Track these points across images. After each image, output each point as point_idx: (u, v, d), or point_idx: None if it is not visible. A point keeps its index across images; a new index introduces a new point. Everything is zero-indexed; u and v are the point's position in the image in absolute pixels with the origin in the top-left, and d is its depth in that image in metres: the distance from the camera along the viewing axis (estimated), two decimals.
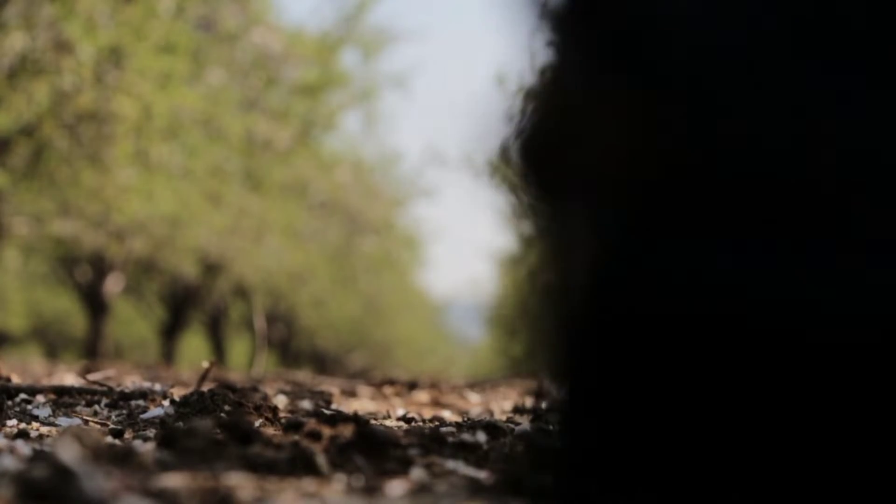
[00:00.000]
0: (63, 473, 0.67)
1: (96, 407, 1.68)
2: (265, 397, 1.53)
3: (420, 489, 0.86)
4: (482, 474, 0.95)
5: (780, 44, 0.93)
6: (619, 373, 0.93)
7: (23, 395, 1.72)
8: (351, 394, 2.56)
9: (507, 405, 2.51)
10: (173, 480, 0.79)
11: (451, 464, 1.00)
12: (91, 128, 7.17)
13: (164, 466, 0.85)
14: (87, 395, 1.74)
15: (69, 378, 2.39)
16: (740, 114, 0.94)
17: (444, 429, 1.47)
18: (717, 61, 0.96)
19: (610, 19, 1.04)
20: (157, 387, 1.81)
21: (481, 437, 1.15)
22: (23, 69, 6.50)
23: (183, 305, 16.02)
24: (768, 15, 0.94)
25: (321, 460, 0.90)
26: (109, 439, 1.15)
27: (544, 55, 1.87)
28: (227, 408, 1.42)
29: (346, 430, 1.47)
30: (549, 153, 1.20)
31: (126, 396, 1.72)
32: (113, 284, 13.33)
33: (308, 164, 13.41)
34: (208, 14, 9.76)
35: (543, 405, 1.80)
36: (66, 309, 19.98)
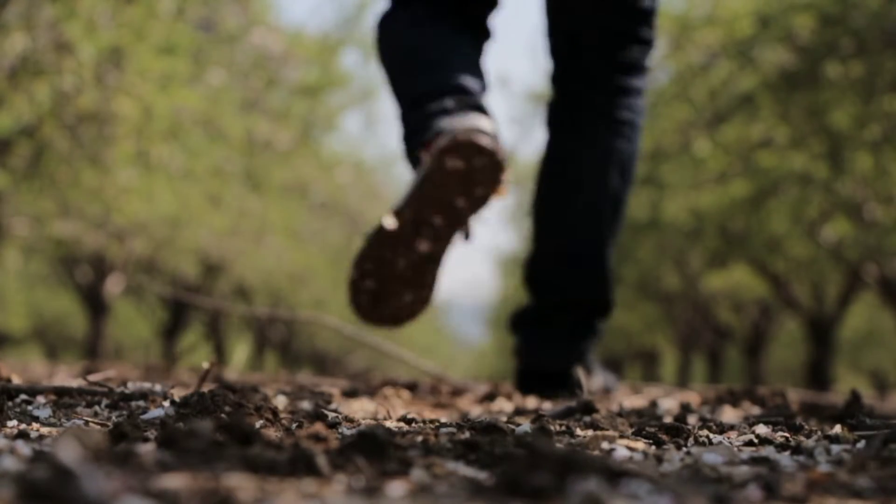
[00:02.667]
0: (63, 474, 0.67)
1: (97, 408, 1.68)
2: (265, 398, 1.53)
3: (420, 490, 0.86)
4: (482, 475, 0.95)
5: None
6: None
7: (23, 396, 1.72)
8: (351, 395, 2.56)
9: (509, 406, 2.51)
10: (174, 481, 0.79)
11: (451, 465, 1.01)
12: (92, 128, 7.17)
13: (165, 467, 0.85)
14: (87, 396, 1.74)
15: (70, 379, 2.39)
16: None
17: (444, 429, 1.48)
18: None
19: None
20: (158, 387, 1.81)
21: (482, 437, 1.15)
22: (23, 70, 6.51)
23: (183, 306, 16.02)
24: None
25: (321, 461, 0.90)
26: (109, 440, 1.16)
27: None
28: (227, 409, 1.42)
29: (347, 431, 1.47)
30: None
31: (126, 397, 1.72)
32: (113, 285, 13.33)
33: (308, 165, 13.41)
34: (209, 15, 9.77)
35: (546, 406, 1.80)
36: (67, 309, 19.98)
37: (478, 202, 2.19)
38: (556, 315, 2.66)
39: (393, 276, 2.17)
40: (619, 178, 2.61)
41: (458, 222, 2.19)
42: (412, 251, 2.15)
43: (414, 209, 2.16)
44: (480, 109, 2.33)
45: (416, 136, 2.32)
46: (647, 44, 2.68)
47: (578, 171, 2.62)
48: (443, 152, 2.18)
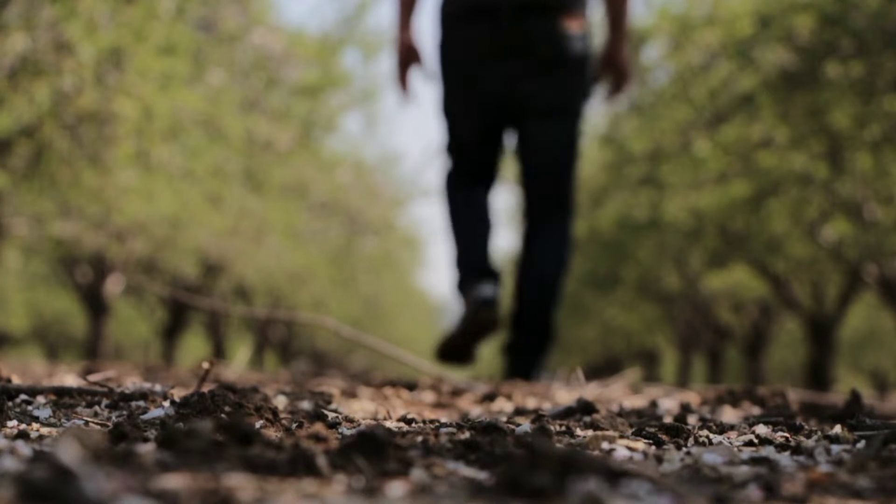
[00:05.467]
0: (63, 474, 0.67)
1: (97, 408, 1.68)
2: (265, 398, 1.53)
3: (420, 490, 0.86)
4: (482, 475, 0.95)
5: None
6: None
7: (23, 396, 1.72)
8: (351, 394, 2.56)
9: (508, 406, 2.51)
10: (174, 481, 0.79)
11: (451, 465, 1.01)
12: (92, 129, 7.17)
13: (165, 467, 0.85)
14: (87, 396, 1.74)
15: (69, 379, 2.39)
16: None
17: (444, 430, 1.48)
18: None
19: None
20: (158, 388, 1.81)
21: (482, 437, 1.15)
22: (24, 70, 6.50)
23: (183, 306, 16.02)
24: None
25: (322, 461, 0.90)
26: (109, 440, 1.16)
27: None
28: (227, 409, 1.42)
29: (347, 432, 1.47)
30: None
31: (126, 397, 1.72)
32: (113, 285, 13.33)
33: (308, 165, 13.41)
34: (209, 15, 9.77)
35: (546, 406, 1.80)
36: (67, 310, 19.98)
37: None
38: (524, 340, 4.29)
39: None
40: (555, 265, 4.27)
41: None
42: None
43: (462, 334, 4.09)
44: (490, 278, 4.17)
45: (462, 289, 4.20)
46: (569, 199, 4.33)
47: (533, 257, 4.32)
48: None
